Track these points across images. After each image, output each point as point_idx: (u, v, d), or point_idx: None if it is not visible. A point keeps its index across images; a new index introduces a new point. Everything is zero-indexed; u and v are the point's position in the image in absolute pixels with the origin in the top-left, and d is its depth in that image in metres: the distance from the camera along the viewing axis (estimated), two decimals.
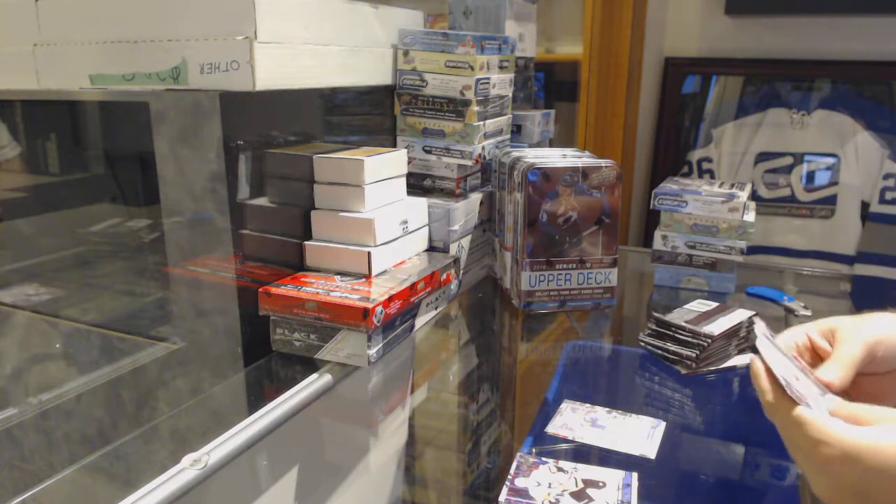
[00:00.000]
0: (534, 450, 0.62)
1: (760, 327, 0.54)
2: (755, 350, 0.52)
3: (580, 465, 0.57)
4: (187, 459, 0.56)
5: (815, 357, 0.55)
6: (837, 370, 0.51)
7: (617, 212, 0.91)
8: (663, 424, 0.65)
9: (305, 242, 0.83)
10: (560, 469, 0.57)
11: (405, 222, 0.88)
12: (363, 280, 0.79)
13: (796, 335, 0.56)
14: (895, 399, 0.54)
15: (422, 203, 0.93)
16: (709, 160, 1.72)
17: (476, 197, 1.04)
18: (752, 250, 1.20)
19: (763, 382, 0.47)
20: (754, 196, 1.62)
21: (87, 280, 1.00)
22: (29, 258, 1.03)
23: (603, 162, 0.91)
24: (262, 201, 0.80)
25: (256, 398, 0.70)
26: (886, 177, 1.56)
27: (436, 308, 0.90)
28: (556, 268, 0.91)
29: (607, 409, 0.68)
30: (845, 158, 1.59)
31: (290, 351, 0.77)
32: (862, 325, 0.54)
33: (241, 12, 0.72)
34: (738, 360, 0.80)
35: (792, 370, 0.51)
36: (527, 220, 0.89)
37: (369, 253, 0.80)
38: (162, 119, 0.76)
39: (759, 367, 0.48)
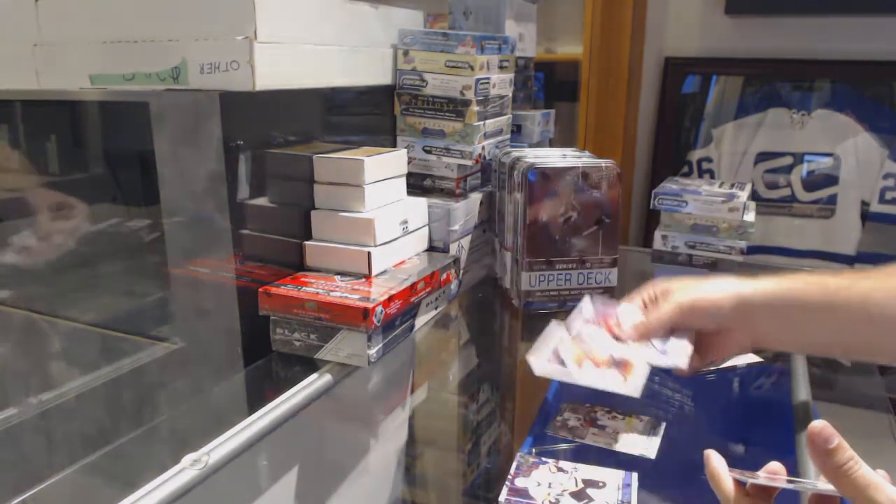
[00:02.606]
0: (534, 450, 0.62)
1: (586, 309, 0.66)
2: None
3: (580, 465, 0.57)
4: (187, 459, 0.56)
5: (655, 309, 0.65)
6: (632, 329, 0.62)
7: (617, 212, 0.91)
8: (663, 424, 0.65)
9: (305, 242, 0.83)
10: (560, 469, 0.57)
11: (405, 222, 0.88)
12: (363, 280, 0.79)
13: (646, 290, 0.67)
14: (732, 354, 0.65)
15: (422, 203, 0.93)
16: (709, 160, 1.72)
17: (476, 197, 1.04)
18: (752, 250, 1.20)
19: (724, 488, 0.46)
20: (754, 196, 1.62)
21: (87, 280, 1.00)
22: (29, 258, 1.03)
23: (603, 162, 0.91)
24: (262, 201, 0.80)
25: (256, 398, 0.70)
26: (886, 177, 1.56)
27: (436, 308, 0.90)
28: (555, 268, 0.91)
29: (607, 408, 0.68)
30: (845, 158, 1.59)
31: (290, 351, 0.77)
32: (685, 289, 0.62)
33: (241, 12, 0.72)
34: (739, 360, 0.80)
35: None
36: (527, 220, 0.89)
37: (369, 253, 0.80)
38: (162, 119, 0.76)
39: (715, 468, 0.47)
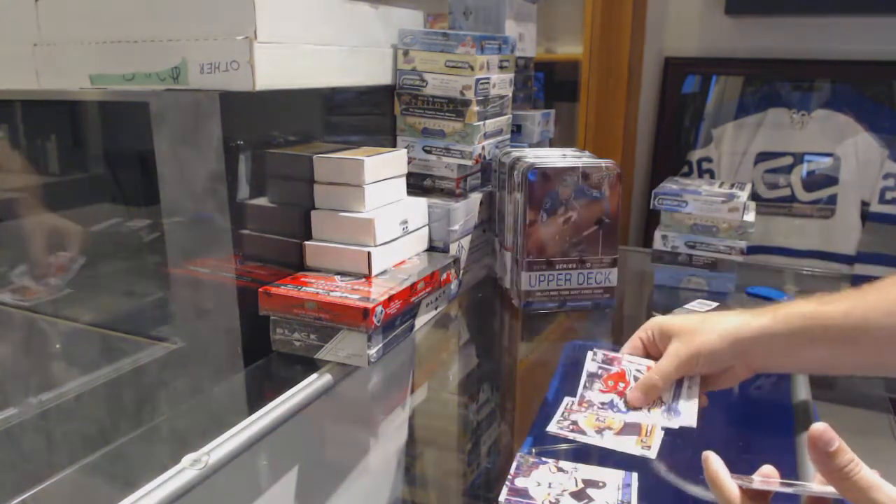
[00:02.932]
0: (534, 450, 0.62)
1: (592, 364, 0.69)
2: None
3: (580, 465, 0.57)
4: (187, 459, 0.56)
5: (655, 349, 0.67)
6: (640, 393, 0.63)
7: (617, 212, 0.91)
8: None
9: (305, 242, 0.83)
10: (560, 469, 0.57)
11: (405, 222, 0.88)
12: (363, 280, 0.79)
13: (643, 330, 0.68)
14: (734, 384, 0.66)
15: (422, 203, 0.93)
16: (709, 160, 1.72)
17: (476, 197, 1.04)
18: (752, 250, 1.20)
19: (726, 491, 0.46)
20: (754, 196, 1.62)
21: (87, 280, 1.00)
22: (29, 258, 1.03)
23: (603, 162, 0.91)
24: (262, 201, 0.80)
25: (256, 398, 0.70)
26: (886, 177, 1.56)
27: (436, 308, 0.90)
28: (555, 268, 0.91)
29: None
30: (845, 158, 1.59)
31: (290, 351, 0.77)
32: (684, 337, 0.63)
33: (241, 12, 0.72)
34: None
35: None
36: (527, 220, 0.89)
37: (369, 253, 0.80)
38: (162, 119, 0.76)
39: (716, 471, 0.47)
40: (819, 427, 0.41)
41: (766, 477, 0.46)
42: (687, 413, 0.62)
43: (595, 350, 0.71)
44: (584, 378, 0.68)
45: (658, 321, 0.67)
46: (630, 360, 0.68)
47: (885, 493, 0.39)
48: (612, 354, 0.70)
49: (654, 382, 0.63)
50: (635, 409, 0.64)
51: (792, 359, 0.63)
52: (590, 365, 0.69)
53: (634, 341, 0.69)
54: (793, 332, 0.60)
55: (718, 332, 0.62)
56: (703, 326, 0.63)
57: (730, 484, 0.46)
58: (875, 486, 0.39)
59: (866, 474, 0.40)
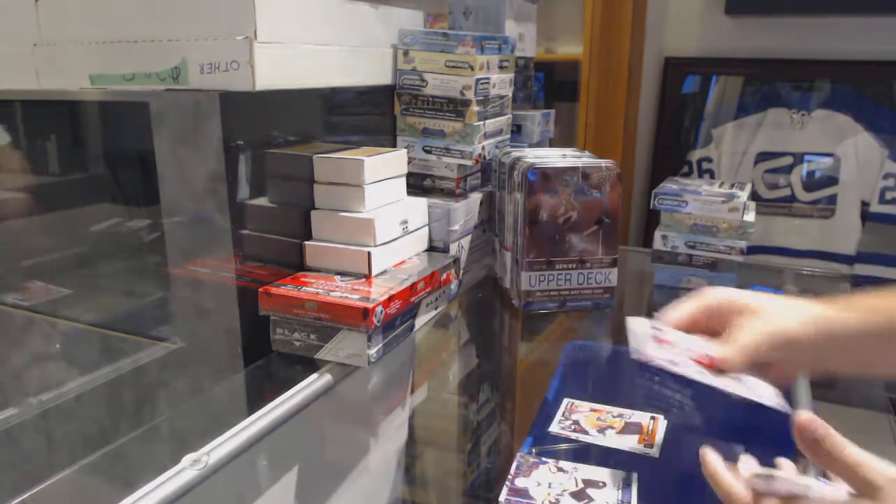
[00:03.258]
0: (534, 450, 0.62)
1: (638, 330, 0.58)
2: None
3: (580, 465, 0.57)
4: (187, 459, 0.56)
5: (706, 324, 0.58)
6: (735, 355, 0.54)
7: (617, 212, 0.91)
8: (664, 423, 0.65)
9: (305, 242, 0.83)
10: (560, 469, 0.57)
11: (405, 222, 0.88)
12: (363, 280, 0.79)
13: (700, 300, 0.58)
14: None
15: (422, 203, 0.93)
16: (709, 160, 1.72)
17: (476, 197, 1.04)
18: (752, 250, 1.20)
19: (725, 485, 0.45)
20: (754, 196, 1.62)
21: (87, 280, 1.00)
22: (29, 258, 1.03)
23: (603, 162, 0.91)
24: (262, 201, 0.80)
25: (256, 398, 0.70)
26: (886, 177, 1.56)
27: (436, 308, 0.90)
28: (555, 268, 0.91)
29: (608, 408, 0.68)
30: (845, 158, 1.59)
31: (290, 351, 0.77)
32: (763, 319, 0.55)
33: (241, 12, 0.72)
34: None
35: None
36: (527, 220, 0.89)
37: (369, 253, 0.80)
38: (162, 119, 0.76)
39: (714, 467, 0.47)
40: (804, 417, 0.43)
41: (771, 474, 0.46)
42: (767, 391, 0.55)
43: (652, 320, 0.60)
44: (633, 338, 0.58)
45: (726, 292, 0.58)
46: (688, 340, 0.58)
47: (874, 468, 0.40)
48: (657, 324, 0.59)
49: (733, 361, 0.54)
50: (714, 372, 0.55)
51: (867, 358, 0.56)
52: (640, 326, 0.59)
53: (684, 313, 0.59)
54: (871, 327, 0.54)
55: (796, 318, 0.55)
56: (780, 309, 0.55)
57: (728, 478, 0.46)
58: (863, 464, 0.41)
59: (852, 452, 0.41)
